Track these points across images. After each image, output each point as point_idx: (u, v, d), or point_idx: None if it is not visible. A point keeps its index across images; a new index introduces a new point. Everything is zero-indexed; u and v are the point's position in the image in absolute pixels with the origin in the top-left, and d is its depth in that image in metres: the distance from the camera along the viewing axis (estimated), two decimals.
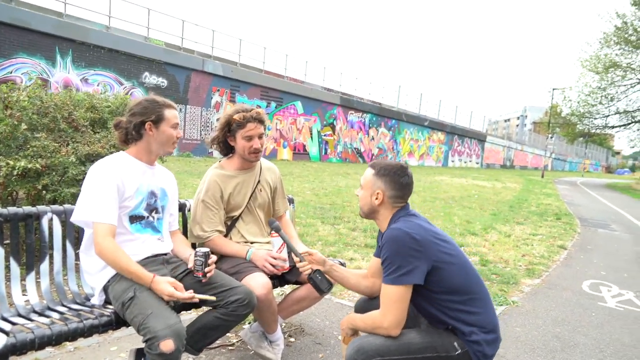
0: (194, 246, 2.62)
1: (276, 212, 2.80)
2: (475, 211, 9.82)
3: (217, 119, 18.97)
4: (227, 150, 2.58)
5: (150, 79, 16.60)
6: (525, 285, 4.65)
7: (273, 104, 21.40)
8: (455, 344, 1.82)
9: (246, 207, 2.59)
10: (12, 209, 2.03)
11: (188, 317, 2.81)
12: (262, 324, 2.47)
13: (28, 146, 3.48)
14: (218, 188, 2.50)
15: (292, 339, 2.94)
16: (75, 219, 2.00)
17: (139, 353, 2.04)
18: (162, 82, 16.97)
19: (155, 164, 2.25)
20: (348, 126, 25.90)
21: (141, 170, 2.16)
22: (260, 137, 2.48)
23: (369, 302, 2.23)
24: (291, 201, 3.23)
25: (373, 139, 27.73)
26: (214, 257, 2.17)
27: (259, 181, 2.63)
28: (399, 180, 1.95)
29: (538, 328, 3.52)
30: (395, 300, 1.79)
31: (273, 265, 2.43)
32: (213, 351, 2.66)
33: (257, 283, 2.25)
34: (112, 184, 2.01)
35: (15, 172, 3.31)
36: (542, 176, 31.78)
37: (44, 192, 3.53)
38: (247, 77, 19.98)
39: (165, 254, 2.23)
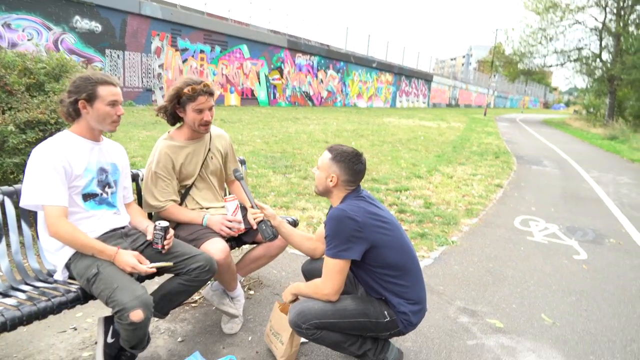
0: (150, 216, 2.68)
1: (228, 177, 2.87)
2: (421, 153, 10.22)
3: (160, 66, 18.13)
4: (175, 120, 2.57)
5: (82, 23, 15.42)
6: (464, 225, 5.05)
7: (217, 48, 20.58)
8: (386, 312, 2.05)
9: (199, 175, 2.64)
10: None
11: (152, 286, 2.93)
12: (222, 284, 2.61)
13: None
14: (169, 159, 2.52)
15: (252, 292, 3.14)
16: (24, 203, 2.00)
17: (108, 320, 2.16)
18: (96, 26, 15.83)
19: (102, 139, 2.22)
20: (296, 69, 25.46)
21: (87, 148, 2.14)
22: (210, 109, 2.49)
23: (313, 263, 2.44)
24: (242, 162, 3.30)
25: (322, 81, 27.48)
26: (172, 232, 2.24)
27: (209, 149, 2.67)
28: (353, 167, 2.08)
29: (474, 265, 3.91)
30: (335, 271, 1.99)
31: (229, 228, 2.52)
32: (178, 309, 2.82)
33: (215, 249, 2.37)
34: (58, 166, 1.99)
35: None
36: (485, 114, 32.99)
37: None
38: (188, 20, 18.97)
39: (123, 227, 2.27)
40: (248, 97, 22.61)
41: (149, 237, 2.22)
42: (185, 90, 2.40)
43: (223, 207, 2.72)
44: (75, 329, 2.61)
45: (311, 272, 2.41)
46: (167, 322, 2.70)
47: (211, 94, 2.47)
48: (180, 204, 2.63)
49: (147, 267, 2.03)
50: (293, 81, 25.31)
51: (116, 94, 2.12)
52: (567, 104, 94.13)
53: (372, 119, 19.75)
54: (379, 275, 2.04)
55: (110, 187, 2.23)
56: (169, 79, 18.71)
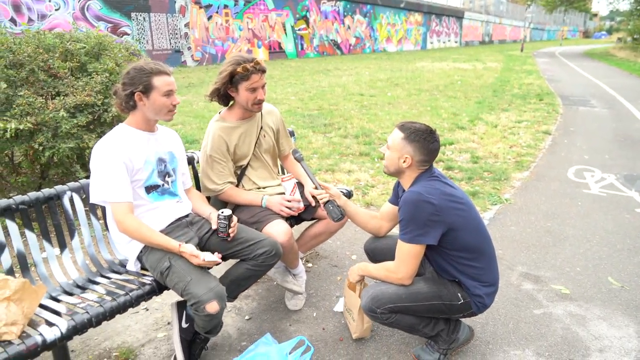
0: (208, 200, 2.69)
1: (282, 153, 2.83)
2: (461, 101, 9.86)
3: (186, 25, 17.87)
4: (228, 101, 2.53)
5: None
6: (515, 179, 4.88)
7: (241, 2, 20.05)
8: (459, 294, 2.01)
9: (253, 155, 2.61)
10: (33, 194, 2.04)
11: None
12: (284, 262, 2.63)
13: (14, 105, 3.34)
14: (223, 141, 2.50)
15: (310, 264, 3.15)
16: (92, 201, 2.03)
17: (181, 305, 2.21)
18: None
19: (156, 129, 2.21)
20: (322, 17, 24.63)
21: (144, 140, 2.13)
22: (263, 87, 2.43)
23: (376, 242, 2.41)
24: (292, 134, 3.24)
25: (349, 28, 26.56)
26: (235, 219, 2.23)
27: (261, 127, 2.63)
28: (428, 146, 1.99)
29: (531, 224, 3.79)
30: (410, 255, 1.94)
31: (289, 208, 2.52)
32: None
33: (278, 231, 2.36)
34: (119, 162, 2.00)
35: (8, 135, 3.23)
36: (522, 50, 31.31)
37: (40, 148, 3.47)
38: None
39: (187, 216, 2.29)
40: (276, 51, 22.18)
41: (214, 226, 2.22)
42: (239, 69, 2.34)
43: (279, 185, 2.71)
44: (147, 309, 2.70)
45: (376, 251, 2.38)
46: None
47: (264, 71, 2.40)
48: (237, 185, 2.62)
49: (215, 258, 2.03)
50: (320, 30, 24.57)
51: (171, 83, 2.10)
52: (610, 31, 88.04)
53: (404, 64, 19.10)
54: (454, 257, 1.99)
55: (170, 176, 2.24)
56: (195, 39, 18.50)
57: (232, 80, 2.39)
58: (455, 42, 38.63)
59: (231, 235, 2.19)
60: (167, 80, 2.08)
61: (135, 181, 2.07)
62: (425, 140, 1.99)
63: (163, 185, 2.19)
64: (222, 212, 2.18)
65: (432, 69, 16.89)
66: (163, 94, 2.07)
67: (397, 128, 2.06)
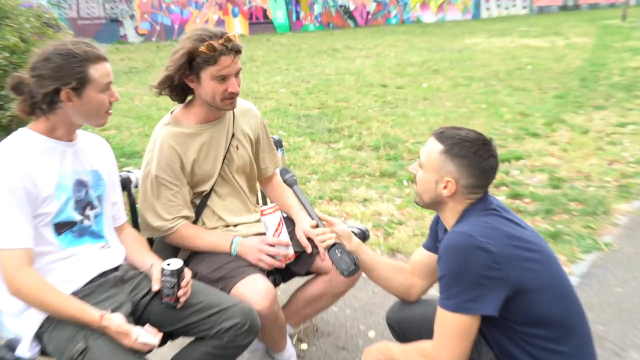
0: (150, 243, 2.65)
1: (262, 173, 2.84)
2: (532, 94, 9.91)
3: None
4: (185, 95, 2.56)
5: None
6: (619, 214, 4.83)
7: None
8: None
9: (219, 176, 2.62)
10: None
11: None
12: (265, 342, 2.59)
13: None
14: (175, 155, 2.51)
15: (304, 346, 3.09)
16: None
17: None
18: None
19: (76, 137, 2.23)
20: None
21: (57, 154, 2.14)
22: (237, 74, 2.45)
23: (406, 309, 2.36)
24: (278, 145, 3.22)
25: None
26: (188, 275, 2.21)
27: (233, 135, 2.64)
28: (480, 164, 1.97)
29: None
30: (456, 332, 1.87)
31: (272, 257, 2.49)
32: None
33: (255, 293, 2.32)
34: (16, 187, 1.99)
35: None
36: (624, 18, 31.61)
37: None
38: None
39: (117, 269, 2.26)
40: (259, 21, 22.49)
41: (155, 286, 2.19)
42: (202, 48, 2.35)
43: (258, 221, 2.70)
44: None
45: (404, 324, 2.34)
46: None
47: (238, 51, 2.43)
48: (195, 222, 2.63)
49: (149, 340, 1.99)
50: None
51: (110, 73, 2.15)
52: None
53: (447, 41, 19.31)
54: (525, 337, 1.92)
55: (92, 207, 2.24)
56: (142, 3, 18.80)
57: (192, 64, 2.40)
58: (524, 7, 39.15)
59: (181, 300, 2.16)
60: (106, 68, 2.12)
61: (39, 216, 2.06)
62: (475, 155, 1.96)
63: (82, 221, 2.18)
64: (169, 265, 2.16)
65: (488, 48, 17.05)
66: (101, 89, 2.10)
67: (433, 137, 2.04)
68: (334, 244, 2.30)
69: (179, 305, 2.17)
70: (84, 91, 2.08)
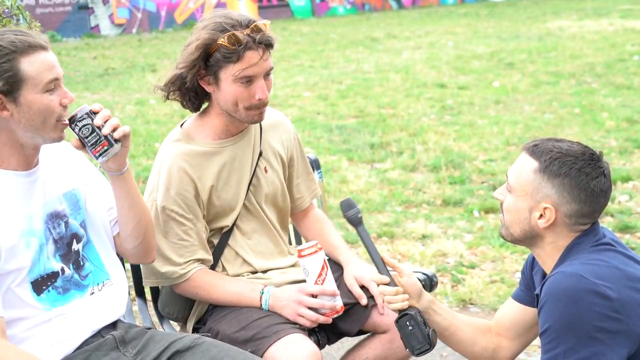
0: (156, 293, 2.72)
1: (297, 204, 2.87)
2: None
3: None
4: (200, 101, 2.61)
5: None
6: None
7: None
8: None
9: (244, 207, 2.67)
10: None
11: None
12: None
13: None
14: (188, 181, 2.55)
15: None
16: None
17: None
18: None
19: (36, 162, 2.23)
20: None
21: (19, 190, 2.15)
22: (267, 74, 2.50)
23: None
24: (315, 166, 3.25)
25: None
26: (105, 111, 2.15)
27: (260, 154, 2.68)
28: (588, 185, 2.00)
29: None
30: None
31: (315, 310, 2.51)
32: None
33: (295, 356, 2.35)
34: None
35: None
36: None
37: None
38: None
39: (115, 325, 2.31)
40: (272, 4, 22.73)
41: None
42: (221, 40, 2.41)
43: (293, 265, 2.75)
44: None
45: None
46: None
47: (269, 44, 2.47)
48: (214, 267, 2.66)
49: None
50: None
51: (53, 65, 2.13)
52: None
53: (523, 25, 19.32)
54: None
55: (78, 240, 2.27)
56: None
57: (209, 60, 2.46)
58: None
59: (115, 134, 2.11)
60: (47, 60, 2.10)
61: (9, 274, 2.09)
62: (581, 174, 2.00)
63: (62, 271, 2.21)
64: (80, 110, 2.12)
65: (579, 34, 17.02)
66: (43, 88, 2.09)
67: (525, 152, 2.08)
68: (406, 312, 2.28)
69: (112, 154, 2.12)
70: (20, 94, 2.05)
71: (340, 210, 2.46)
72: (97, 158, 2.13)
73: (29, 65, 2.05)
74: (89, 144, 2.10)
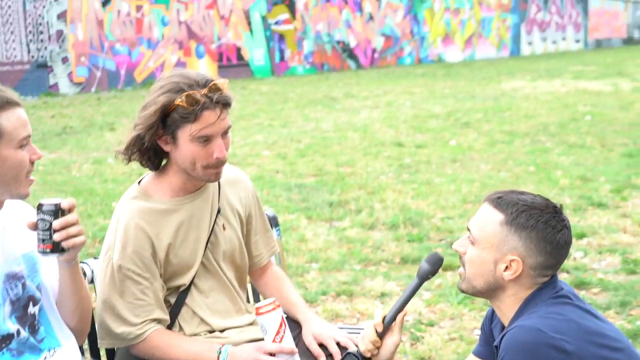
0: (111, 355, 2.69)
1: (255, 261, 2.88)
2: (594, 152, 10.10)
3: (60, 16, 18.53)
4: (159, 160, 2.62)
5: None
6: None
7: None
8: None
9: (201, 265, 2.66)
10: None
11: None
12: None
13: None
14: (145, 239, 2.54)
15: None
16: None
17: None
18: None
19: None
20: (320, 0, 25.67)
21: None
22: (225, 133, 2.52)
23: None
24: (273, 223, 3.26)
25: (371, 18, 27.63)
26: (71, 216, 2.13)
27: (218, 211, 2.69)
28: (554, 238, 2.03)
29: None
30: None
31: None
32: None
33: None
34: None
35: None
36: None
37: None
38: None
39: None
40: (231, 64, 22.88)
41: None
42: (178, 101, 2.42)
43: (252, 324, 2.74)
44: None
45: None
46: None
47: (226, 103, 2.49)
48: (170, 327, 2.64)
49: None
50: (315, 23, 25.50)
51: (26, 122, 2.17)
52: None
53: (478, 86, 19.67)
54: None
55: (35, 302, 2.26)
56: (78, 42, 19.16)
57: (166, 121, 2.47)
58: (576, 41, 40.02)
59: (64, 244, 2.10)
60: (22, 117, 2.14)
61: None
62: (547, 226, 2.03)
63: (18, 333, 2.18)
64: (44, 201, 2.11)
65: (533, 94, 17.38)
66: (18, 144, 2.12)
67: (488, 204, 2.12)
68: (349, 352, 2.34)
69: (56, 256, 2.12)
70: None
71: (427, 257, 2.40)
72: (38, 251, 2.12)
73: (6, 120, 2.08)
74: (38, 237, 2.09)
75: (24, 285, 2.23)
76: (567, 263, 5.63)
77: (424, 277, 2.33)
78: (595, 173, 8.74)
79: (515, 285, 2.08)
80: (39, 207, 2.08)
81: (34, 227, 2.09)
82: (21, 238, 2.26)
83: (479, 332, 2.54)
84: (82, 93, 18.87)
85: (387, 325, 2.31)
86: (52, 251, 2.09)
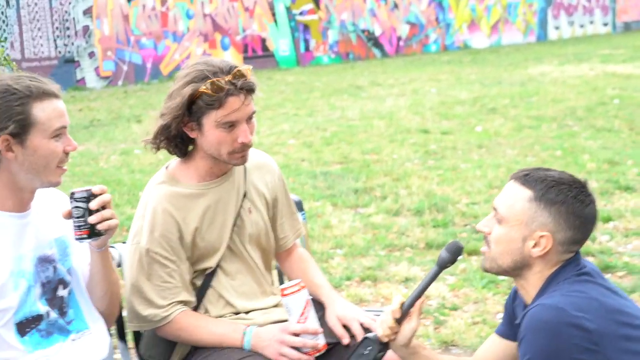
0: (137, 338, 2.74)
1: (281, 244, 2.90)
2: (622, 136, 10.03)
3: (86, 12, 18.63)
4: (186, 147, 2.65)
5: None
6: None
7: None
8: None
9: (228, 249, 2.69)
10: None
11: None
12: None
13: None
14: (173, 223, 2.57)
15: None
16: None
17: None
18: None
19: (29, 206, 2.28)
20: None
21: (11, 231, 2.18)
22: (249, 119, 2.55)
23: None
24: (299, 207, 3.26)
25: (396, 6, 27.48)
26: (105, 196, 2.19)
27: (244, 195, 2.72)
28: (582, 212, 2.05)
29: None
30: None
31: (298, 349, 2.51)
32: None
33: None
34: None
35: None
36: None
37: None
38: None
39: None
40: (257, 54, 22.84)
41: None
42: (203, 88, 2.46)
43: (277, 306, 2.76)
44: None
45: None
46: None
47: (251, 89, 2.52)
48: (197, 308, 2.68)
49: None
50: (340, 13, 25.40)
51: (63, 113, 2.20)
52: None
53: (505, 71, 19.48)
54: None
55: (64, 285, 2.30)
56: (104, 37, 19.26)
57: (192, 108, 2.50)
58: (604, 24, 39.47)
59: (99, 227, 2.16)
60: (58, 108, 2.18)
61: None
62: (576, 201, 2.05)
63: (48, 314, 2.22)
64: (77, 190, 2.17)
65: (561, 79, 17.19)
66: (50, 134, 2.15)
67: (515, 181, 2.12)
68: (365, 338, 2.35)
69: (91, 241, 2.19)
70: (28, 137, 2.11)
71: (447, 245, 2.38)
72: (75, 238, 2.18)
73: (40, 111, 2.12)
74: (74, 224, 2.15)
75: (55, 268, 2.28)
76: (593, 247, 5.63)
77: (442, 266, 2.33)
78: (622, 157, 8.68)
79: (542, 262, 2.09)
80: (72, 195, 2.14)
81: (69, 215, 2.15)
82: (53, 223, 2.32)
83: (501, 316, 2.55)
84: (109, 87, 18.92)
85: (405, 311, 2.30)
86: (89, 236, 2.16)
